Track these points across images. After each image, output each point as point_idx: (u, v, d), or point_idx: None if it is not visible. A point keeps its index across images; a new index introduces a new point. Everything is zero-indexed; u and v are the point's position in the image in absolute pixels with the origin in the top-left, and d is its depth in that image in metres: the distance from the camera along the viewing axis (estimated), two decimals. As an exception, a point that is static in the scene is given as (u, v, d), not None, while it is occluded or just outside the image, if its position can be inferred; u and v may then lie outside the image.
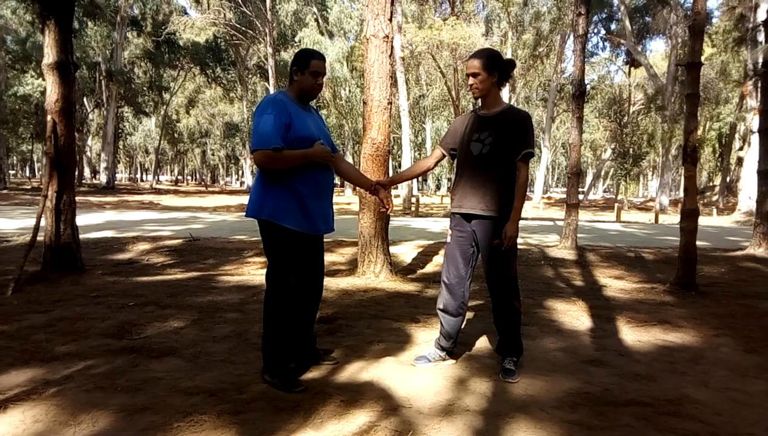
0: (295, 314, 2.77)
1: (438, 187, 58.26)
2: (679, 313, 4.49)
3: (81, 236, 5.84)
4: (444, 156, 3.13)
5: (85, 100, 36.21)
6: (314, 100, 2.95)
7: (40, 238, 5.41)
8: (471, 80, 2.89)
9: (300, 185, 2.67)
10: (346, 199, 26.78)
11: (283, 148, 2.56)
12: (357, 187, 4.27)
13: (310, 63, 2.71)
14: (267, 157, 2.56)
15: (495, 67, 2.86)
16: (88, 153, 45.76)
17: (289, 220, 2.64)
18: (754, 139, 17.26)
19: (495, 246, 2.85)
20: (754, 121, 18.24)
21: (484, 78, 2.85)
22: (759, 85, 9.57)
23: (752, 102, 19.93)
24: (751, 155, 19.23)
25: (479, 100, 2.99)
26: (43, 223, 5.32)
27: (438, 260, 7.00)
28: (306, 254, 2.77)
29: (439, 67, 25.04)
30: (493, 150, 2.85)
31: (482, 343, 3.53)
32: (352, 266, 6.04)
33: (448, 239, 3.06)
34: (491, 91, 2.90)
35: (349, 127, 35.49)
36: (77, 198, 6.00)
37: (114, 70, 30.86)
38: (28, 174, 58.25)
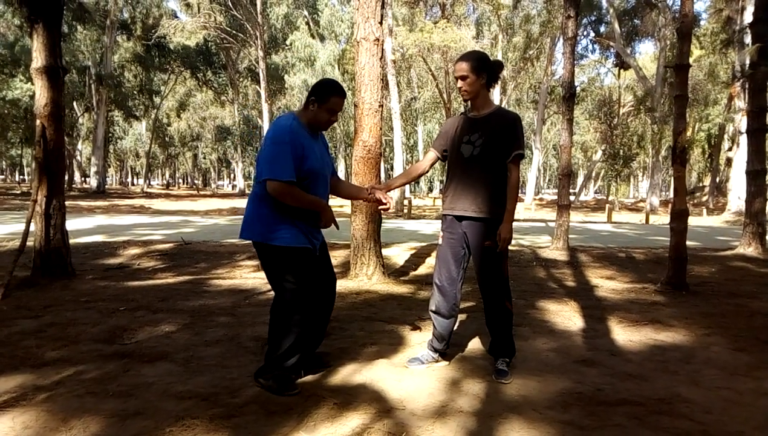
0: (310, 324, 2.78)
1: (430, 190, 58.39)
2: (670, 313, 4.52)
3: (71, 241, 5.80)
4: (438, 158, 3.14)
5: (75, 104, 36.02)
6: None
7: (29, 243, 5.37)
8: (460, 83, 2.89)
9: (302, 213, 2.68)
10: (338, 201, 26.76)
11: (294, 183, 2.57)
12: None
13: (329, 100, 2.67)
14: (284, 188, 2.55)
15: (483, 69, 2.87)
16: (79, 157, 45.43)
17: (292, 238, 2.65)
18: (743, 139, 17.44)
19: (486, 248, 2.86)
20: (742, 122, 18.42)
21: (472, 80, 2.86)
22: (746, 86, 9.66)
23: (740, 103, 20.13)
24: (739, 156, 19.41)
25: (469, 103, 3.00)
26: (32, 228, 5.27)
27: (430, 261, 7.01)
28: (316, 266, 2.80)
29: (430, 70, 25.11)
30: (483, 152, 2.85)
31: (475, 344, 3.54)
32: (344, 269, 6.03)
33: (440, 241, 3.06)
34: (480, 93, 2.91)
35: (341, 130, 35.54)
36: (67, 203, 5.96)
37: (104, 74, 30.68)
38: (17, 179, 57.77)
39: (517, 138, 2.86)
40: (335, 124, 29.30)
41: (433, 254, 7.35)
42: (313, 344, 2.92)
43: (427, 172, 3.26)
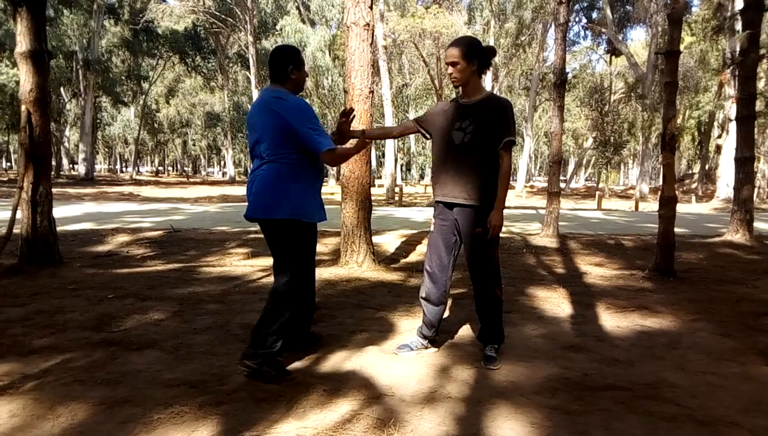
0: (301, 304, 2.87)
1: (422, 177, 58.32)
2: (657, 299, 4.56)
3: (59, 228, 5.75)
4: (416, 131, 3.14)
5: (62, 90, 35.46)
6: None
7: (16, 230, 5.32)
8: (450, 69, 2.86)
9: (316, 179, 2.84)
10: (329, 188, 26.69)
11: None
12: (340, 177, 4.34)
13: (302, 60, 2.83)
14: (338, 156, 2.76)
15: (474, 56, 2.83)
16: (66, 144, 44.92)
17: (316, 214, 2.81)
18: (732, 127, 17.54)
19: (477, 234, 2.86)
20: (732, 109, 18.49)
21: (463, 67, 2.82)
22: (737, 73, 9.68)
23: (730, 90, 20.23)
24: (729, 143, 19.53)
25: (460, 90, 2.97)
26: (19, 215, 5.22)
27: (421, 249, 7.02)
28: (314, 243, 2.94)
29: (422, 56, 24.95)
30: (474, 139, 2.83)
31: (464, 331, 3.55)
32: (334, 256, 6.03)
33: (432, 228, 3.06)
34: (471, 80, 2.87)
35: (332, 116, 35.29)
36: (55, 190, 5.89)
37: (91, 59, 30.26)
38: (4, 165, 57.07)
39: (509, 125, 2.84)
40: (326, 111, 29.02)
41: (424, 242, 7.37)
42: (307, 322, 3.02)
43: (395, 137, 3.33)
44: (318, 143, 2.65)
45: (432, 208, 3.16)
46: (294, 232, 2.71)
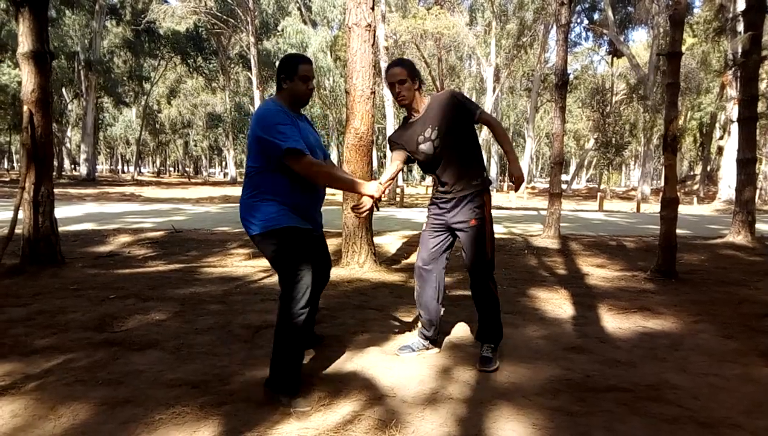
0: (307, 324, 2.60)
1: (423, 178, 58.30)
2: (659, 300, 4.55)
3: (61, 229, 5.76)
4: (405, 161, 3.02)
5: (63, 90, 35.54)
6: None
7: (18, 230, 5.32)
8: (398, 88, 2.87)
9: (294, 199, 2.55)
10: (330, 190, 26.64)
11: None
12: None
13: (298, 68, 2.57)
14: (311, 164, 2.46)
15: (416, 75, 2.92)
16: (68, 144, 45.01)
17: (288, 220, 2.52)
18: (734, 128, 17.47)
19: (472, 227, 2.87)
20: (733, 110, 18.48)
21: (410, 85, 2.88)
22: (738, 74, 9.68)
23: (732, 92, 20.17)
24: (730, 144, 19.50)
25: (406, 111, 3.01)
26: (21, 215, 5.22)
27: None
28: (310, 250, 2.62)
29: (423, 57, 24.99)
30: (442, 140, 2.87)
31: (466, 332, 3.55)
32: (336, 257, 6.02)
33: (424, 227, 3.09)
34: (415, 97, 2.93)
35: (333, 117, 35.35)
36: (57, 190, 5.90)
37: (93, 59, 30.26)
38: (6, 166, 57.15)
39: (465, 104, 2.91)
40: (328, 112, 28.97)
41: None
42: (310, 324, 2.90)
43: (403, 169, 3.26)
44: (279, 142, 2.41)
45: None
46: (275, 243, 2.52)
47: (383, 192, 2.68)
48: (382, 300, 4.37)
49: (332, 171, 2.66)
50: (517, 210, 17.07)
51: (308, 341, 3.03)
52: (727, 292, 4.93)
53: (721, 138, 24.27)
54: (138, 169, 49.83)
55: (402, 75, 2.85)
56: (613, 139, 28.41)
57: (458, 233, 2.95)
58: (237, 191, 25.44)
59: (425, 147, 2.89)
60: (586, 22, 31.78)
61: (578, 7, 29.34)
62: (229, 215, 12.24)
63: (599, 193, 21.77)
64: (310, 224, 2.64)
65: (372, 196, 2.63)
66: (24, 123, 5.16)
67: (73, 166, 48.13)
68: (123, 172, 61.43)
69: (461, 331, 3.57)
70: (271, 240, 2.52)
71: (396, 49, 24.62)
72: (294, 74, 2.58)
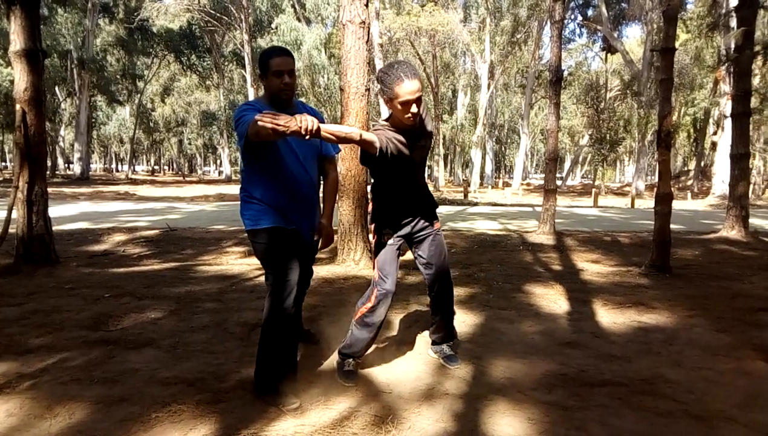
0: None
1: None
2: (653, 295, 4.58)
3: (55, 228, 5.73)
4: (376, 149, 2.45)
5: (56, 89, 35.29)
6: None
7: (12, 230, 5.30)
8: (415, 108, 2.41)
9: (274, 199, 2.49)
10: (326, 187, 26.56)
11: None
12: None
13: (269, 64, 2.44)
14: (252, 127, 2.13)
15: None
16: (62, 143, 44.71)
17: (269, 221, 2.48)
18: (728, 123, 17.54)
19: (437, 229, 2.81)
20: (727, 105, 18.55)
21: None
22: (732, 70, 9.72)
23: (725, 87, 20.24)
24: (724, 140, 19.57)
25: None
26: (14, 214, 5.20)
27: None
28: (291, 250, 2.53)
29: (418, 54, 24.96)
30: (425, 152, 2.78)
31: (458, 329, 3.55)
32: (332, 254, 6.02)
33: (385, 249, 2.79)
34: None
35: (328, 114, 35.20)
36: (51, 189, 5.88)
37: (86, 58, 30.07)
38: (-2, 165, 56.80)
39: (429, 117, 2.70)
40: (322, 110, 28.83)
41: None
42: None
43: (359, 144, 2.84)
44: (239, 132, 2.36)
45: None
46: (258, 242, 2.52)
47: (310, 129, 2.01)
48: (377, 297, 4.37)
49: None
50: (512, 206, 17.11)
51: (301, 338, 2.99)
52: (720, 286, 4.96)
53: (715, 133, 24.36)
54: (132, 167, 49.58)
55: (420, 91, 2.43)
56: (608, 136, 28.44)
57: (424, 240, 2.78)
58: (232, 189, 25.39)
59: (417, 155, 2.67)
60: (580, 18, 31.79)
61: (572, 4, 29.35)
62: (224, 213, 12.21)
63: (594, 190, 21.85)
64: (295, 226, 2.56)
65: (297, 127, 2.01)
66: (17, 122, 5.13)
67: (66, 165, 47.79)
68: (117, 170, 61.17)
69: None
70: (254, 238, 2.54)
71: (390, 46, 24.59)
72: (267, 70, 2.46)
